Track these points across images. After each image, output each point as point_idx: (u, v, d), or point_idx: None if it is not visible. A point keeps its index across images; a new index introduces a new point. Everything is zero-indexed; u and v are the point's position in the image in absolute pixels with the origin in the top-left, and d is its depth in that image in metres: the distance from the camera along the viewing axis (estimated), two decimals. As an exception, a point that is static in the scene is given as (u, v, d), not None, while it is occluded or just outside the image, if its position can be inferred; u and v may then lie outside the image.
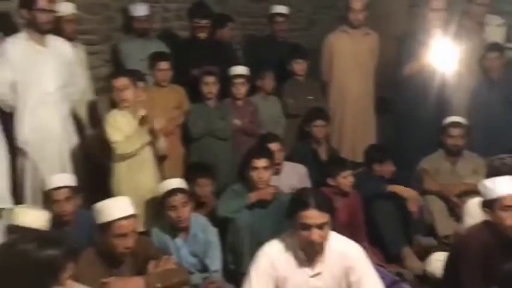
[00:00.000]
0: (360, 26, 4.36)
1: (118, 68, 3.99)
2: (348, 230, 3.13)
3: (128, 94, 3.13)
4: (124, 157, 3.15)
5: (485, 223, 2.54)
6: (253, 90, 4.12)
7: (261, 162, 3.03)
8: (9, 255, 1.72)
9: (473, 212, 2.82)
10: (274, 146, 3.38)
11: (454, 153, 3.77)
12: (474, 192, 3.03)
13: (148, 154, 3.28)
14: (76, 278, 1.94)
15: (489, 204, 2.49)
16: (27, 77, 3.11)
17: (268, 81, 4.13)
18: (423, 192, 3.65)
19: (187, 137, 3.81)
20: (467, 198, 3.20)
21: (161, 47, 4.28)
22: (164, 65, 3.74)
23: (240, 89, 3.89)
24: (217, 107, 3.81)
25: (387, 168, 3.62)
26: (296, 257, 2.30)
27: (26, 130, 3.16)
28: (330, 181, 3.36)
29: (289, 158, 3.66)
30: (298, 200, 2.26)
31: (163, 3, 4.88)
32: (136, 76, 3.32)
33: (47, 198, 2.94)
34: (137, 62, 4.06)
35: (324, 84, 4.53)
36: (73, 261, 1.78)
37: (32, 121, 3.16)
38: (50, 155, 3.23)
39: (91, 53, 4.06)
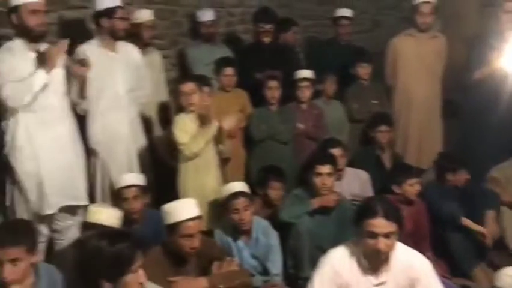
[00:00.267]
0: (428, 29, 4.24)
1: (185, 73, 4.11)
2: (412, 239, 3.06)
3: (195, 98, 3.22)
4: (190, 158, 3.24)
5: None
6: (315, 94, 4.12)
7: (325, 169, 3.03)
8: (85, 251, 1.85)
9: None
10: (336, 152, 3.36)
11: (527, 162, 3.58)
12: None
13: (212, 156, 3.35)
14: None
15: None
16: (99, 82, 3.28)
17: (329, 86, 4.11)
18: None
19: (248, 141, 3.86)
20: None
21: (226, 51, 4.38)
22: (229, 70, 3.82)
23: (305, 92, 3.90)
24: (279, 111, 3.84)
25: (460, 177, 3.44)
26: (360, 265, 2.28)
27: (97, 132, 3.33)
28: (395, 188, 3.29)
29: (351, 164, 3.63)
30: (366, 208, 2.25)
31: (228, 8, 4.99)
32: (202, 81, 3.41)
33: (117, 196, 3.09)
34: (202, 66, 4.19)
35: (388, 88, 4.45)
36: (141, 252, 1.91)
37: (102, 123, 3.33)
38: (118, 156, 3.38)
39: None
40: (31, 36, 2.97)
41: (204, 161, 3.28)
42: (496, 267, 3.19)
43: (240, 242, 2.99)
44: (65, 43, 3.03)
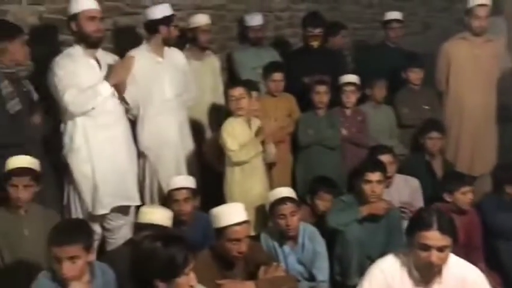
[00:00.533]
0: (483, 32, 4.10)
1: (233, 76, 4.16)
2: (464, 250, 2.97)
3: (244, 103, 3.25)
4: (238, 164, 3.27)
5: None
6: (364, 98, 4.07)
7: (375, 176, 2.99)
8: (140, 252, 1.91)
9: None
10: (386, 158, 3.30)
11: None
12: None
13: (259, 161, 3.37)
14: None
15: None
16: (148, 87, 3.37)
17: (378, 90, 4.05)
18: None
19: (295, 145, 3.85)
20: None
21: (273, 55, 4.40)
22: (277, 76, 3.82)
23: (350, 97, 3.86)
24: (327, 116, 3.81)
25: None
26: (411, 276, 2.23)
27: (146, 136, 3.41)
28: (447, 197, 3.20)
29: (401, 170, 3.55)
30: (420, 219, 2.19)
31: (275, 12, 5.01)
32: (251, 86, 3.44)
33: (167, 199, 3.16)
34: (249, 70, 4.22)
35: (440, 93, 4.33)
36: (192, 256, 1.95)
37: (151, 127, 3.40)
38: (167, 159, 3.45)
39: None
40: (89, 43, 3.10)
41: (251, 166, 3.31)
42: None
43: (286, 248, 2.99)
44: (132, 59, 3.15)
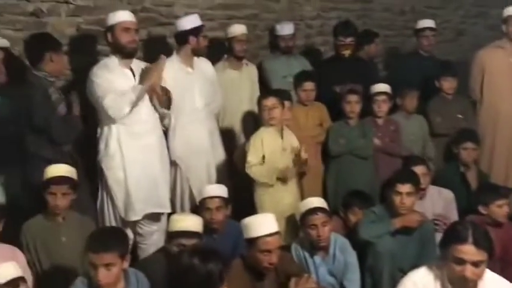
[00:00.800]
0: (522, 40, 4.01)
1: (263, 85, 4.17)
2: (500, 264, 2.90)
3: (276, 113, 3.25)
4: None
5: None
6: (395, 108, 4.02)
7: (405, 188, 2.94)
8: (178, 267, 1.94)
9: None
10: (419, 170, 3.25)
11: None
12: None
13: (290, 171, 3.37)
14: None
15: None
16: (179, 97, 3.41)
17: (409, 101, 3.99)
18: None
19: (326, 155, 3.83)
20: None
21: (304, 63, 4.40)
22: (309, 85, 3.81)
23: (382, 107, 3.82)
24: (359, 125, 3.79)
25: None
26: (444, 289, 2.19)
27: (178, 145, 3.46)
28: (482, 209, 3.14)
29: (434, 181, 3.50)
30: (455, 232, 2.15)
31: (306, 20, 5.02)
32: (283, 96, 3.44)
33: (199, 207, 3.18)
34: (280, 78, 4.23)
35: (473, 102, 4.26)
36: (227, 270, 1.99)
37: (183, 136, 3.46)
38: (198, 168, 3.50)
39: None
40: (124, 53, 3.18)
41: (279, 174, 3.29)
42: None
43: (317, 258, 2.98)
44: (163, 61, 3.22)
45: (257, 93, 3.92)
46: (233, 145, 3.77)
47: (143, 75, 3.18)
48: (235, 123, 3.92)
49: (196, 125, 3.47)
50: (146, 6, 3.85)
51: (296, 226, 3.17)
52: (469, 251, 2.07)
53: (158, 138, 3.32)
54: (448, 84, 4.08)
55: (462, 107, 4.13)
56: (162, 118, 3.39)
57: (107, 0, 3.63)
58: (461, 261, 2.08)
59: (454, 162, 3.78)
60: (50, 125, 2.96)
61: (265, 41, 4.64)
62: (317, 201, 3.02)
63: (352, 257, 2.96)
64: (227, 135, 3.83)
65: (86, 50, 3.52)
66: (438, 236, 2.76)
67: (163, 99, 3.27)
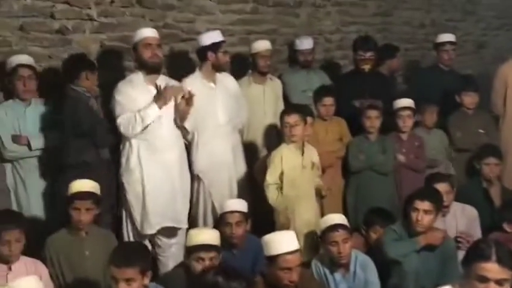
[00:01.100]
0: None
1: (284, 100, 4.17)
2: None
3: (298, 131, 3.25)
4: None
5: None
6: (415, 123, 3.99)
7: (424, 205, 2.89)
8: (202, 285, 1.95)
9: None
10: (443, 187, 3.20)
11: None
12: None
13: (309, 186, 3.36)
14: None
15: None
16: (202, 112, 3.45)
17: (428, 116, 3.96)
18: None
19: (346, 170, 3.81)
20: None
21: (323, 77, 4.41)
22: (328, 100, 3.81)
23: (407, 122, 3.80)
24: (379, 141, 3.77)
25: None
26: (468, 309, 2.16)
27: (201, 159, 3.49)
28: (507, 227, 3.09)
29: (456, 197, 3.44)
30: (478, 250, 2.11)
31: (325, 35, 5.04)
32: (306, 111, 3.44)
33: (220, 221, 3.20)
34: (300, 93, 4.24)
35: (495, 116, 4.21)
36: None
37: (205, 151, 3.48)
38: (221, 183, 3.52)
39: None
40: (148, 69, 3.25)
41: (299, 191, 3.30)
42: None
43: (338, 275, 2.95)
44: (180, 89, 3.29)
45: (281, 107, 3.92)
46: (256, 159, 3.77)
47: (159, 95, 3.22)
48: (259, 137, 3.93)
49: (218, 140, 3.50)
50: (168, 23, 3.92)
51: (316, 242, 3.16)
52: (492, 269, 2.03)
53: (178, 153, 3.36)
54: (470, 99, 4.04)
55: (483, 121, 4.09)
56: (185, 134, 3.42)
57: (130, 17, 3.71)
58: (485, 279, 2.05)
59: (476, 178, 3.73)
60: (96, 130, 3.19)
61: (284, 56, 4.67)
62: (338, 218, 3.01)
63: (373, 274, 2.93)
64: (250, 149, 3.84)
65: (110, 66, 3.59)
66: (461, 254, 2.74)
67: (185, 116, 3.32)
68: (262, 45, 4.00)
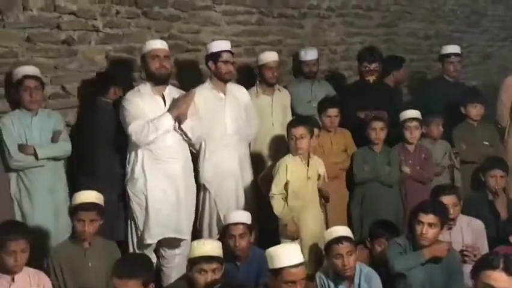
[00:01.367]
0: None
1: (295, 115, 4.13)
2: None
3: (304, 143, 3.24)
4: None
5: None
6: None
7: (428, 218, 2.86)
8: None
9: None
10: (449, 200, 3.17)
11: None
12: None
13: (312, 197, 3.35)
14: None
15: None
16: (211, 122, 3.46)
17: (434, 128, 3.94)
18: None
19: (351, 181, 3.80)
20: None
21: (327, 88, 4.41)
22: (333, 111, 3.80)
23: (414, 133, 3.78)
24: (384, 152, 3.75)
25: None
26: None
27: (208, 169, 3.49)
28: (513, 240, 3.06)
29: (462, 209, 3.42)
30: (485, 260, 2.11)
31: (330, 46, 5.05)
32: (313, 123, 3.44)
33: (224, 233, 3.18)
34: (304, 104, 4.24)
35: (500, 128, 4.19)
36: None
37: (212, 161, 3.48)
38: (226, 193, 3.51)
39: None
40: (155, 80, 3.28)
41: (303, 202, 3.29)
42: None
43: (342, 288, 2.94)
44: (193, 94, 3.30)
45: (289, 118, 3.92)
46: (263, 170, 3.75)
47: (173, 105, 3.25)
48: (267, 148, 3.91)
49: (225, 150, 3.50)
50: (174, 34, 3.94)
51: (320, 254, 3.14)
52: (499, 277, 2.02)
53: (183, 164, 3.35)
54: (475, 111, 4.03)
55: (488, 133, 4.08)
56: (190, 143, 3.41)
57: (135, 28, 3.73)
58: None
59: (482, 190, 3.70)
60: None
61: (289, 66, 4.68)
62: (342, 230, 2.98)
63: (377, 287, 2.90)
64: (258, 160, 3.83)
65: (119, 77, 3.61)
66: (467, 268, 2.72)
67: (182, 117, 3.30)
68: (269, 56, 4.01)
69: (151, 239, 3.24)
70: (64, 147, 3.20)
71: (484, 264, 2.10)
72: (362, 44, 5.07)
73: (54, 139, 3.18)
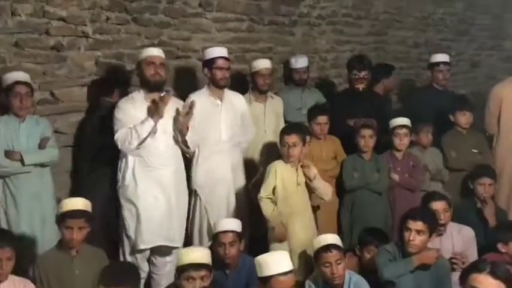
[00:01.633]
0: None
1: (288, 122, 4.14)
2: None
3: (296, 151, 3.23)
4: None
5: None
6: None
7: (416, 225, 2.87)
8: None
9: None
10: (440, 205, 3.18)
11: None
12: None
13: (302, 204, 3.33)
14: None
15: None
16: (205, 128, 3.45)
17: (424, 136, 3.95)
18: None
19: (341, 188, 3.80)
20: None
21: (317, 95, 4.43)
22: (322, 119, 3.81)
23: (404, 140, 3.79)
24: (373, 160, 3.76)
25: None
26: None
27: (200, 175, 3.48)
28: (501, 247, 3.07)
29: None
30: (473, 264, 2.14)
31: (320, 53, 5.07)
32: (305, 131, 3.43)
33: (213, 241, 3.16)
34: (294, 111, 4.25)
35: (488, 136, 4.23)
36: None
37: (205, 167, 3.47)
38: (218, 199, 3.50)
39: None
40: (149, 86, 3.27)
41: (293, 209, 3.28)
42: None
43: (331, 296, 2.92)
44: (169, 96, 3.28)
45: (282, 125, 3.92)
46: (254, 176, 3.75)
47: (152, 110, 3.22)
48: (258, 154, 3.91)
49: (219, 156, 3.49)
50: (164, 40, 3.94)
51: (310, 260, 3.13)
52: (485, 281, 2.04)
53: (174, 170, 3.34)
54: (464, 119, 4.06)
55: (477, 141, 4.10)
56: (186, 150, 3.40)
57: (125, 34, 3.73)
58: None
59: (470, 198, 3.72)
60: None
61: (279, 74, 4.69)
62: (331, 238, 2.97)
63: (366, 294, 2.90)
64: (249, 167, 3.81)
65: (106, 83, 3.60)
66: (455, 276, 2.72)
67: (184, 129, 3.30)
68: (262, 64, 4.01)
69: (144, 244, 3.22)
70: (51, 153, 3.17)
71: (471, 268, 2.11)
72: (352, 52, 5.10)
73: (41, 145, 3.15)
